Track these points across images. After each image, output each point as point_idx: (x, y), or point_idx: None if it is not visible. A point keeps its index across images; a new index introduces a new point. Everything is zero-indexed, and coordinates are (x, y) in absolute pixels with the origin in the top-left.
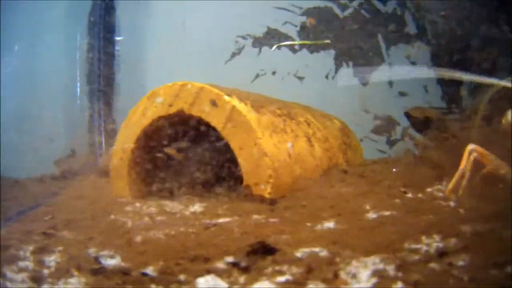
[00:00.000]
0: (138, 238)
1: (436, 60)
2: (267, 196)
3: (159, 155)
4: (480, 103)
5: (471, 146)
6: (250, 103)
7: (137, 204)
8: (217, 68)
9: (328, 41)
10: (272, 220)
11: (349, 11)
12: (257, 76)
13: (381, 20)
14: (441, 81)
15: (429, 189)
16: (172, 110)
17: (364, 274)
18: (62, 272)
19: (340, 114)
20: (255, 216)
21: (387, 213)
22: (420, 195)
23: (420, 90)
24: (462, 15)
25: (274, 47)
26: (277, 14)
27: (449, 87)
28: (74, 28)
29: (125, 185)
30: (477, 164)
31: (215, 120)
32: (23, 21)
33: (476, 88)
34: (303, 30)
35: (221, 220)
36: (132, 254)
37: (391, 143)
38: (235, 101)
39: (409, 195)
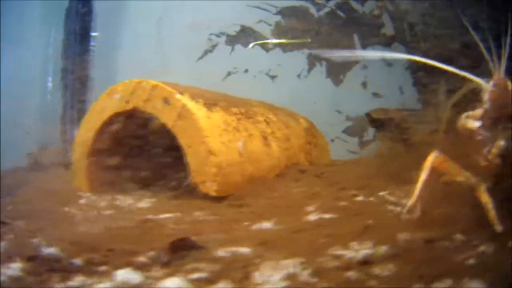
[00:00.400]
0: (79, 229)
1: (413, 62)
2: (212, 194)
3: (117, 150)
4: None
5: (433, 153)
6: (203, 101)
7: (93, 198)
8: (190, 65)
9: (308, 39)
10: (211, 217)
11: (325, 10)
12: (229, 74)
13: (358, 20)
14: (417, 83)
15: (382, 193)
16: (129, 106)
17: (277, 277)
18: (5, 258)
19: (312, 113)
20: (196, 213)
21: (328, 216)
22: (371, 198)
23: (395, 91)
24: (442, 17)
25: (252, 44)
26: (252, 12)
27: (426, 89)
28: (49, 24)
29: (84, 178)
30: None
31: (166, 117)
32: None
33: (454, 91)
34: (277, 29)
35: (162, 216)
36: (69, 244)
37: (362, 144)
38: (186, 99)
39: (359, 198)
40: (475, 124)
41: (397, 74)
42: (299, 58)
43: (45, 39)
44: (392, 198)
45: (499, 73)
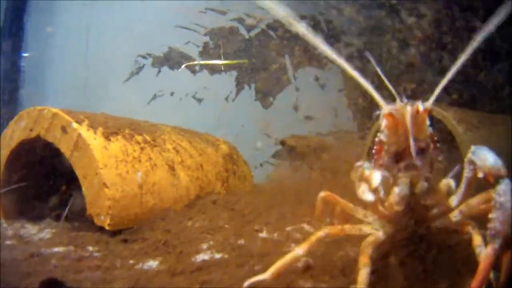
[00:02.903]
0: None
1: (347, 84)
2: (107, 227)
3: (29, 178)
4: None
5: (321, 193)
6: (103, 130)
7: (4, 225)
8: (116, 87)
9: (246, 60)
10: (98, 254)
11: (256, 31)
12: (155, 96)
13: (290, 41)
14: (352, 105)
15: (289, 228)
16: (33, 134)
17: None
18: None
19: (239, 138)
20: (89, 248)
21: (218, 256)
22: (275, 234)
23: (329, 114)
24: (379, 39)
25: (183, 66)
26: (179, 33)
27: (360, 111)
28: None
29: None
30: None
31: (64, 147)
32: None
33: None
34: (205, 51)
35: (54, 249)
36: None
37: (292, 169)
38: (82, 129)
39: (263, 234)
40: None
41: (330, 96)
42: (227, 81)
43: None
44: (298, 235)
45: (403, 100)
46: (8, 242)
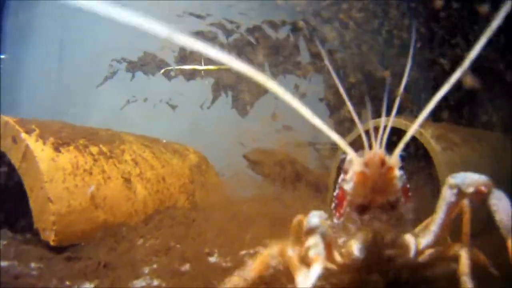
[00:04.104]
0: None
1: (329, 94)
2: (51, 243)
3: None
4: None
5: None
6: (53, 141)
7: None
8: (90, 91)
9: (227, 66)
10: (37, 272)
11: (235, 37)
12: (128, 102)
13: (270, 47)
14: (334, 116)
15: (243, 252)
16: None
17: None
18: None
19: (214, 147)
20: (31, 264)
21: (156, 283)
22: (227, 258)
23: (308, 124)
24: (364, 44)
25: (162, 70)
26: (154, 38)
27: (342, 124)
28: None
29: None
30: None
31: (14, 157)
32: None
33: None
34: (181, 56)
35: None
36: None
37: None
38: (30, 140)
39: (213, 258)
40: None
41: (311, 105)
42: (202, 87)
43: None
44: (248, 261)
45: (375, 151)
46: None
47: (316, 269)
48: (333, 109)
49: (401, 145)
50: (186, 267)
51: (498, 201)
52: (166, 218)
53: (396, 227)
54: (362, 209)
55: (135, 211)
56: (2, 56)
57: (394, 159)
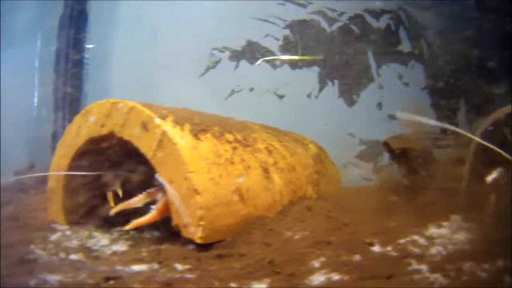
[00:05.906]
0: (32, 282)
1: (431, 82)
2: (197, 240)
3: (95, 179)
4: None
5: None
6: (190, 127)
7: (67, 233)
8: (190, 81)
9: (320, 56)
10: (191, 275)
11: (337, 25)
12: (233, 92)
13: (372, 36)
14: (436, 105)
15: (402, 240)
16: (104, 131)
17: None
18: None
19: (322, 137)
20: (177, 266)
21: (336, 277)
22: (389, 248)
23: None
24: (463, 33)
25: (259, 61)
26: (258, 26)
27: (445, 112)
28: (35, 35)
29: (60, 209)
30: None
31: (145, 146)
32: None
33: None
34: (286, 44)
35: (133, 268)
36: None
37: (377, 170)
38: (167, 126)
39: (375, 248)
40: None
41: (414, 94)
42: (308, 76)
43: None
44: (415, 250)
45: None
46: (73, 257)
47: None
48: (434, 98)
49: None
50: (357, 257)
51: None
52: (303, 209)
53: None
54: None
55: (273, 202)
56: (89, 46)
57: None
